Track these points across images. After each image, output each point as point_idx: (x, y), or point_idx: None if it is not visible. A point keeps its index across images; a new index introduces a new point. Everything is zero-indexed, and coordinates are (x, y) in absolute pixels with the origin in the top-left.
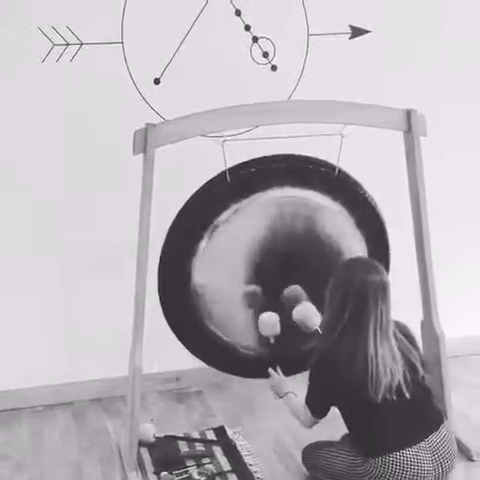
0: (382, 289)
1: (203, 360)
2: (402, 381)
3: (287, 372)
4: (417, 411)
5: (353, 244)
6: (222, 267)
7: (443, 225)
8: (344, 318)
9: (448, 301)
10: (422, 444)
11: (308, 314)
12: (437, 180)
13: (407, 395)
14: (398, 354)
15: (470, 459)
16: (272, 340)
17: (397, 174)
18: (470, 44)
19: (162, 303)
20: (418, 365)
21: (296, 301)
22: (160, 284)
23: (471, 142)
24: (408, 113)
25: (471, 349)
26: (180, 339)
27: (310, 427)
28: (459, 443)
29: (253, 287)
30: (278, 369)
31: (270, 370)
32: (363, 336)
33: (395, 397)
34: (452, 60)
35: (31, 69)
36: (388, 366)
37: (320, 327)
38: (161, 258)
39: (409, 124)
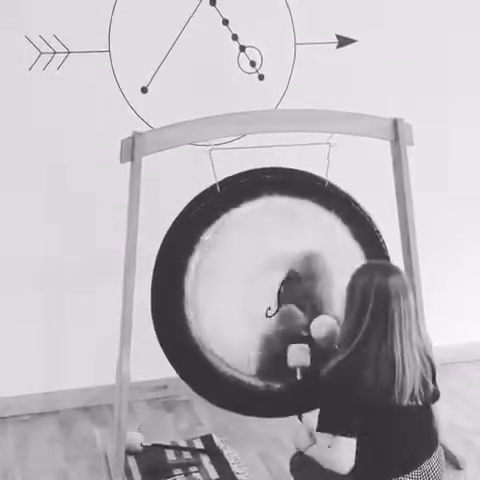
0: (403, 290)
1: (206, 398)
2: (421, 389)
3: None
4: (423, 427)
5: (348, 255)
6: (216, 283)
7: (431, 233)
8: (364, 324)
9: (435, 310)
10: (415, 472)
11: (332, 329)
12: (424, 188)
13: (420, 403)
14: (418, 359)
15: (458, 467)
16: (299, 375)
17: (384, 182)
18: (459, 52)
19: (156, 327)
20: (429, 380)
21: (290, 317)
22: (153, 307)
23: (458, 150)
24: (395, 122)
25: (458, 357)
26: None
27: (346, 466)
28: (446, 452)
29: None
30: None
31: (297, 421)
32: (388, 338)
33: (415, 402)
34: (440, 69)
35: (18, 77)
36: (412, 369)
37: (338, 339)
38: (154, 274)
39: (396, 133)
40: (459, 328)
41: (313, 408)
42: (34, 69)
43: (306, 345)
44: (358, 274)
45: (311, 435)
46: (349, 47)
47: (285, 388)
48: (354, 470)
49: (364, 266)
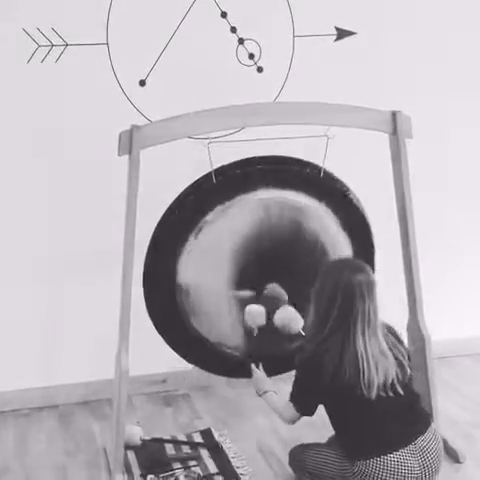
0: (369, 288)
1: (186, 359)
2: (395, 379)
3: (270, 372)
4: (406, 412)
5: (338, 245)
6: (208, 267)
7: (429, 226)
8: (331, 318)
9: (434, 302)
10: (410, 447)
11: (290, 319)
12: (422, 181)
13: (401, 392)
14: (388, 352)
15: (457, 461)
16: (256, 332)
17: (383, 175)
18: (458, 45)
19: (146, 300)
20: (405, 363)
21: (275, 302)
22: (145, 284)
23: (458, 143)
24: (394, 115)
25: (457, 351)
26: (164, 337)
27: (293, 423)
28: (445, 445)
29: (247, 292)
30: (260, 366)
31: (252, 366)
32: (352, 335)
33: (391, 394)
34: (439, 62)
35: (16, 70)
36: (379, 363)
37: (303, 329)
38: (146, 259)
39: (395, 126)
40: (458, 322)
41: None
42: (32, 62)
43: (261, 306)
44: (327, 270)
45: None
46: (348, 39)
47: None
48: (342, 447)
49: (334, 262)
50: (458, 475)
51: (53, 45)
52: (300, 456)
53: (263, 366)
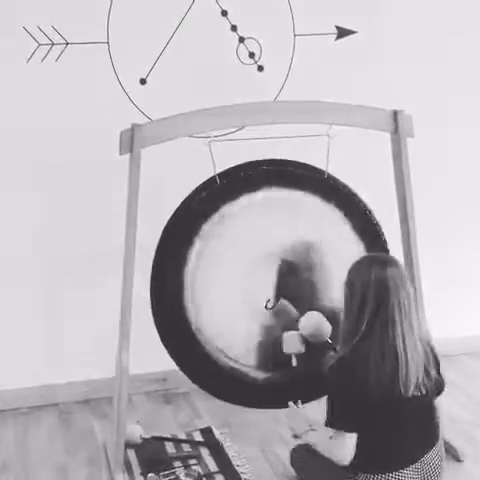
0: (401, 280)
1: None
2: (425, 379)
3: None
4: (425, 418)
5: (348, 246)
6: (215, 273)
7: (431, 226)
8: (365, 318)
9: (435, 301)
10: (416, 465)
11: (317, 323)
12: (424, 181)
13: (424, 393)
14: (420, 348)
15: (457, 460)
16: (295, 362)
17: (384, 174)
18: (459, 44)
19: (154, 315)
20: (432, 370)
21: (286, 318)
22: (152, 296)
23: (459, 143)
24: (395, 114)
25: (458, 349)
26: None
27: (346, 456)
28: (446, 444)
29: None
30: (299, 403)
31: (290, 404)
32: (389, 329)
33: (423, 391)
34: (440, 61)
35: (16, 69)
36: (415, 359)
37: (339, 335)
38: (154, 264)
39: (396, 125)
40: (459, 321)
41: (313, 398)
42: (32, 61)
43: (298, 333)
44: (355, 269)
45: (307, 421)
46: (349, 38)
47: (282, 377)
48: (354, 462)
49: (361, 260)
50: (458, 474)
51: (53, 44)
52: (302, 456)
53: (302, 403)
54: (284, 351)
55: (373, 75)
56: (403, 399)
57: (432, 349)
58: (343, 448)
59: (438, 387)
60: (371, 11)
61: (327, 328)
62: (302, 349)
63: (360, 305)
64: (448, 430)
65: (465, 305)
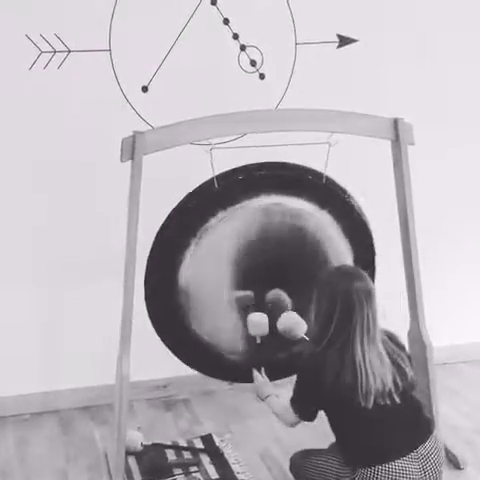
0: (368, 295)
1: (188, 365)
2: (393, 388)
3: (272, 377)
4: (408, 419)
5: (339, 251)
6: (209, 273)
7: (430, 234)
8: (331, 327)
9: (435, 309)
10: (411, 455)
11: (294, 324)
12: (424, 188)
13: (398, 401)
14: (387, 359)
15: (457, 467)
16: (259, 340)
17: (384, 182)
18: (459, 52)
19: (148, 306)
20: (407, 369)
21: (279, 307)
22: (146, 289)
23: (459, 150)
24: (395, 122)
25: (458, 357)
26: (165, 343)
27: (293, 426)
28: (446, 451)
29: (245, 292)
30: (262, 371)
31: (254, 371)
32: (350, 343)
33: (388, 402)
34: (441, 68)
35: (19, 76)
36: (377, 372)
37: (306, 335)
38: (147, 264)
39: (396, 133)
40: (460, 328)
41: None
42: (34, 68)
43: (264, 315)
44: (326, 279)
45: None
46: (350, 47)
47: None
48: (349, 458)
49: (331, 271)
50: None
51: (56, 51)
52: (301, 462)
53: (265, 371)
54: (250, 333)
55: (374, 83)
56: (364, 409)
57: (402, 347)
58: (291, 421)
59: (412, 384)
60: (372, 20)
61: (303, 328)
62: (266, 331)
63: (327, 313)
64: (448, 438)
65: (465, 313)
